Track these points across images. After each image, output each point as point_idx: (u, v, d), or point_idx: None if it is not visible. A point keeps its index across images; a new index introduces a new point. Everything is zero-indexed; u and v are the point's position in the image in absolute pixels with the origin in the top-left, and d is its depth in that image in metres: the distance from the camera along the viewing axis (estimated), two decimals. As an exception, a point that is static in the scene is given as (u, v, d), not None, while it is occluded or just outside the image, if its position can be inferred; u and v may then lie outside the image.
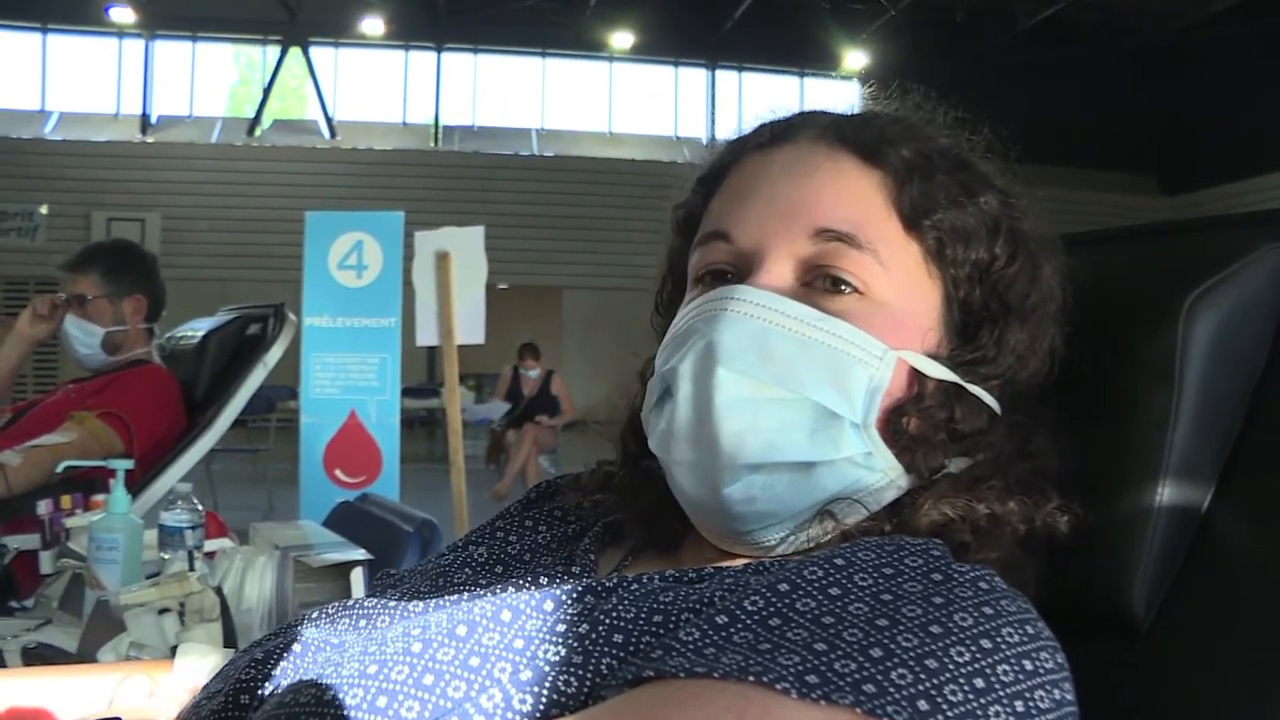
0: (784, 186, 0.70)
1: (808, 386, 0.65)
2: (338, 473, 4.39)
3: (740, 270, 0.70)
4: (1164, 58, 14.21)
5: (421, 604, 0.66)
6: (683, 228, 0.78)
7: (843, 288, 0.67)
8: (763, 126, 0.76)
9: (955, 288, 0.70)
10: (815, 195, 0.69)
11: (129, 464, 1.75)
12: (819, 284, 0.68)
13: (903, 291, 0.68)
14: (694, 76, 15.32)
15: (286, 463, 7.25)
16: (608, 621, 0.57)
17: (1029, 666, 0.52)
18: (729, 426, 0.65)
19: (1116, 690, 0.66)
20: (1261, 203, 12.52)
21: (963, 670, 0.50)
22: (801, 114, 0.76)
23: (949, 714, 0.49)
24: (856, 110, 0.77)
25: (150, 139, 13.86)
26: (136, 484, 2.46)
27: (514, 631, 0.57)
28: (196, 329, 2.91)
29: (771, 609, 0.54)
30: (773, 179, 0.71)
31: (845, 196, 0.69)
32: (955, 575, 0.56)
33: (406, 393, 9.32)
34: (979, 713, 0.49)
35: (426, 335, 3.91)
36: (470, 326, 3.87)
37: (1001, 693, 0.51)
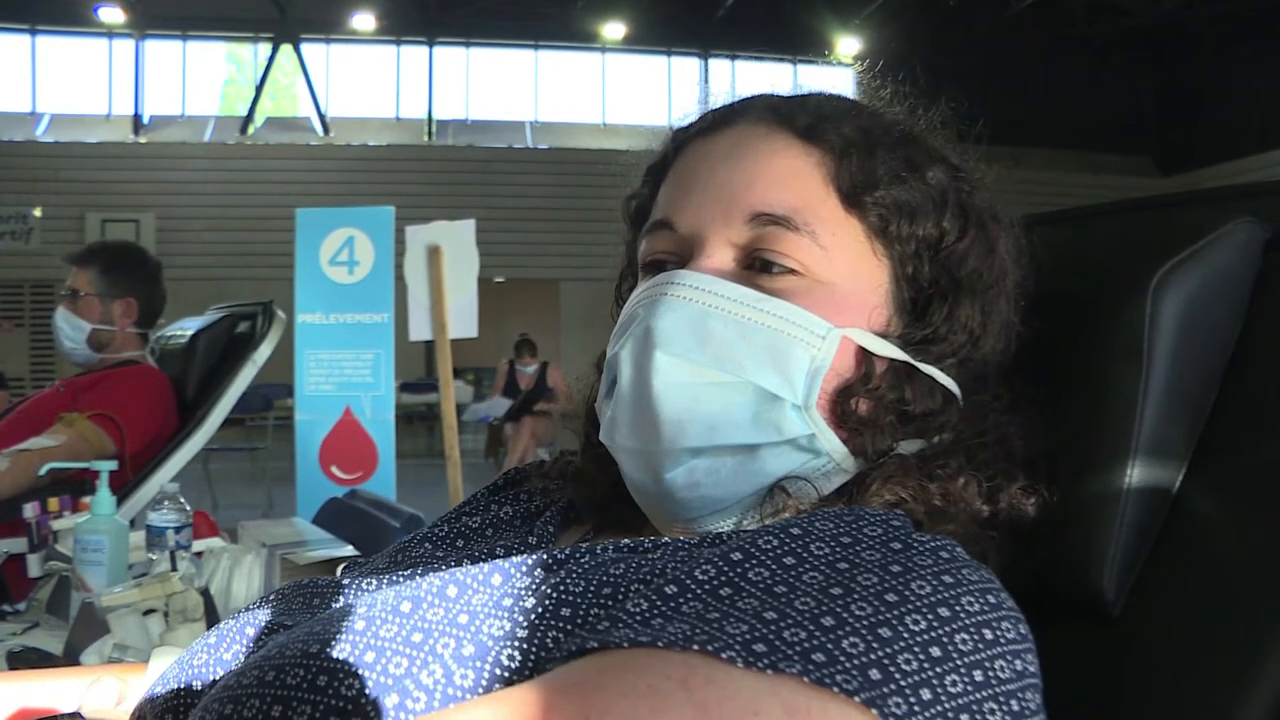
0: (723, 171, 0.70)
1: (747, 369, 0.65)
2: (334, 469, 4.38)
3: (682, 257, 0.70)
4: (1158, 37, 14.17)
5: (375, 580, 0.66)
6: (634, 219, 0.78)
7: (780, 268, 0.67)
8: (706, 113, 0.75)
9: (903, 264, 0.69)
10: (751, 178, 0.69)
11: (113, 465, 1.74)
12: (757, 265, 0.67)
13: (845, 271, 0.67)
14: (687, 66, 15.28)
15: (285, 461, 7.25)
16: (555, 595, 0.56)
17: (989, 636, 0.51)
18: (668, 410, 0.65)
19: (1088, 673, 0.65)
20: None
21: (918, 639, 0.49)
22: (743, 99, 0.75)
23: (902, 683, 0.48)
24: (798, 91, 0.76)
25: (143, 139, 13.83)
26: (127, 484, 2.45)
27: (459, 607, 0.56)
28: (185, 328, 2.91)
29: (723, 578, 0.53)
30: (712, 164, 0.71)
31: (781, 178, 0.68)
32: (915, 544, 0.55)
33: (405, 388, 9.36)
34: (934, 681, 0.48)
35: (419, 330, 3.90)
36: (463, 320, 3.85)
37: (959, 661, 0.50)
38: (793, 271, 0.67)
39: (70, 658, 1.39)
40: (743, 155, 0.70)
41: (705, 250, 0.68)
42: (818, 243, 0.67)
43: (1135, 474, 0.66)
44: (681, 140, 0.75)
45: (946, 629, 0.50)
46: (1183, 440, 0.67)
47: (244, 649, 0.64)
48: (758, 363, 0.65)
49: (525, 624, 0.55)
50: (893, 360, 0.67)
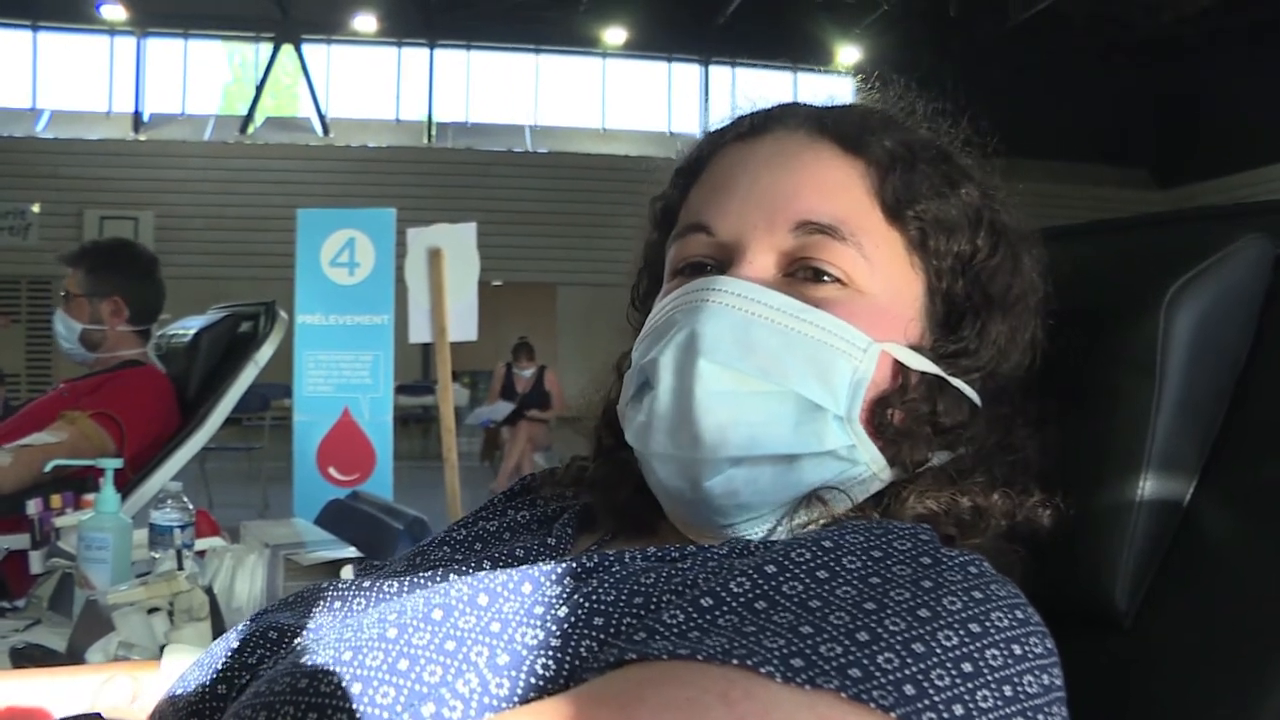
0: (765, 177, 0.70)
1: (791, 378, 0.65)
2: (331, 470, 4.39)
3: (721, 262, 0.70)
4: (1157, 50, 14.20)
5: (396, 584, 0.66)
6: (660, 221, 0.78)
7: (824, 278, 0.67)
8: (742, 117, 0.75)
9: (938, 279, 0.70)
10: (797, 186, 0.69)
11: (118, 463, 1.74)
12: (801, 274, 0.68)
13: (885, 282, 0.68)
14: (687, 72, 15.31)
15: (282, 461, 7.24)
16: (587, 605, 0.56)
17: (1018, 651, 0.52)
18: (711, 419, 0.64)
19: (1100, 683, 0.66)
20: (1255, 196, 12.53)
21: (950, 654, 0.50)
22: (781, 105, 0.75)
23: (935, 698, 0.48)
24: (837, 102, 0.76)
25: (143, 137, 13.82)
26: (128, 483, 2.45)
27: (491, 615, 0.56)
28: (188, 327, 2.90)
29: (758, 591, 0.53)
30: (753, 170, 0.70)
31: (827, 188, 0.69)
32: (944, 559, 0.56)
33: (401, 390, 9.35)
34: (966, 697, 0.49)
35: (419, 332, 3.90)
36: (463, 323, 3.85)
37: (990, 677, 0.50)
38: (838, 281, 0.67)
39: (74, 655, 1.39)
40: (786, 162, 0.70)
41: (747, 257, 0.68)
42: (862, 254, 0.67)
43: (1147, 486, 0.67)
44: (716, 144, 0.75)
45: (978, 644, 0.51)
46: (1194, 454, 0.68)
47: (268, 653, 0.64)
48: (801, 373, 0.65)
49: (559, 633, 0.55)
50: (925, 373, 0.68)
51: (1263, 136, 12.58)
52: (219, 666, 0.64)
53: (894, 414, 0.67)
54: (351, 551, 1.69)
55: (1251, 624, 0.62)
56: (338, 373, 4.45)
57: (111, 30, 13.74)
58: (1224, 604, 0.64)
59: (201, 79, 14.50)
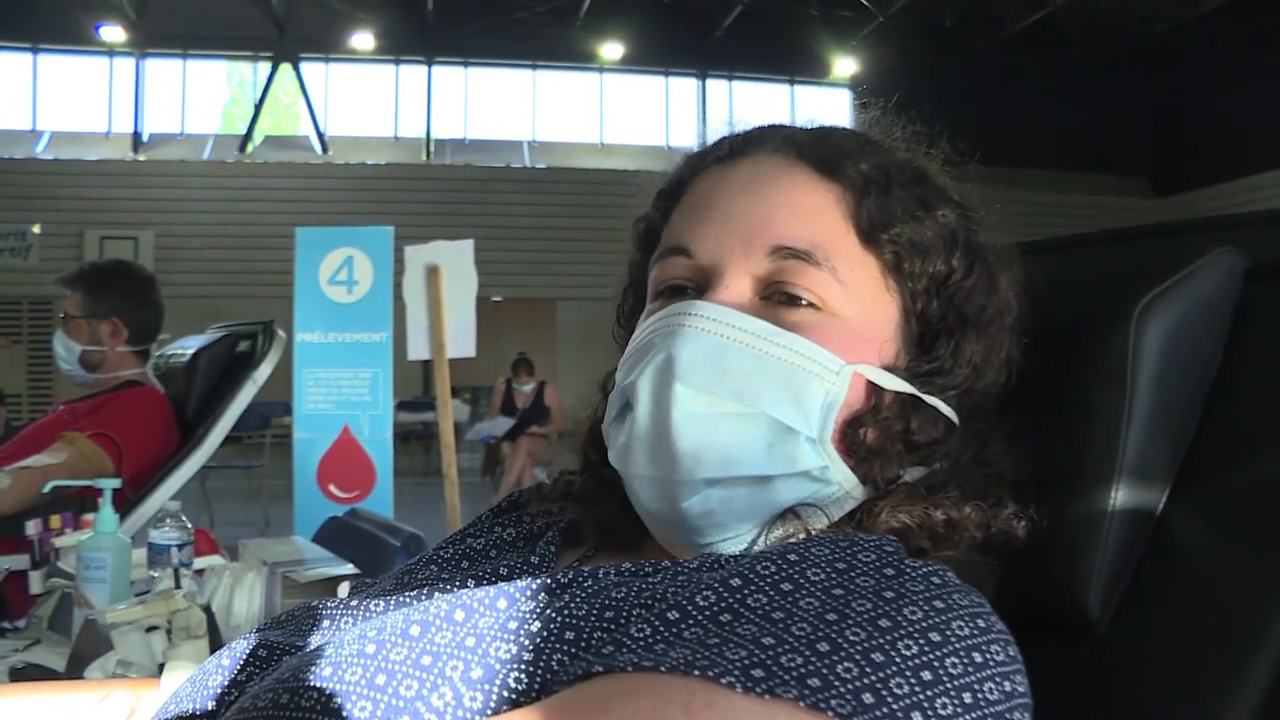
0: (742, 202, 0.71)
1: (764, 402, 0.66)
2: (332, 488, 4.40)
3: (699, 285, 0.71)
4: (1154, 59, 14.24)
5: (382, 602, 0.67)
6: (643, 241, 0.79)
7: (799, 302, 0.68)
8: (721, 140, 0.76)
9: (913, 300, 0.71)
10: (772, 212, 0.70)
11: (116, 483, 1.75)
12: (776, 298, 0.69)
13: (860, 305, 0.69)
14: (684, 86, 15.35)
15: (282, 478, 7.26)
16: (559, 619, 0.57)
17: (978, 659, 0.53)
18: (687, 442, 0.66)
19: (1073, 691, 0.67)
20: (1254, 202, 12.56)
21: (910, 663, 0.51)
22: (760, 128, 0.76)
23: (893, 706, 0.50)
24: (817, 123, 0.77)
25: (142, 157, 13.85)
26: (127, 503, 2.46)
27: (466, 630, 0.58)
28: (186, 347, 2.92)
29: (723, 604, 0.55)
30: (731, 194, 0.72)
31: (802, 213, 0.70)
32: (907, 570, 0.57)
33: (402, 406, 9.37)
34: (925, 704, 0.50)
35: (418, 349, 3.91)
36: (461, 340, 3.86)
37: (949, 685, 0.51)
38: (812, 305, 0.68)
39: (73, 674, 1.40)
40: (762, 187, 0.71)
41: (724, 281, 0.69)
42: (837, 278, 0.68)
43: (1120, 496, 0.68)
44: (696, 167, 0.76)
45: (937, 653, 0.52)
46: (1166, 464, 0.70)
47: (257, 670, 0.65)
48: (774, 396, 0.66)
49: (531, 647, 0.56)
50: (899, 393, 0.69)
51: (1261, 142, 12.60)
52: (210, 684, 0.66)
53: (867, 433, 0.68)
54: (349, 568, 1.70)
55: (1222, 631, 0.63)
56: (337, 390, 4.48)
57: (110, 51, 13.80)
58: (1195, 611, 0.65)
59: (200, 99, 14.55)
